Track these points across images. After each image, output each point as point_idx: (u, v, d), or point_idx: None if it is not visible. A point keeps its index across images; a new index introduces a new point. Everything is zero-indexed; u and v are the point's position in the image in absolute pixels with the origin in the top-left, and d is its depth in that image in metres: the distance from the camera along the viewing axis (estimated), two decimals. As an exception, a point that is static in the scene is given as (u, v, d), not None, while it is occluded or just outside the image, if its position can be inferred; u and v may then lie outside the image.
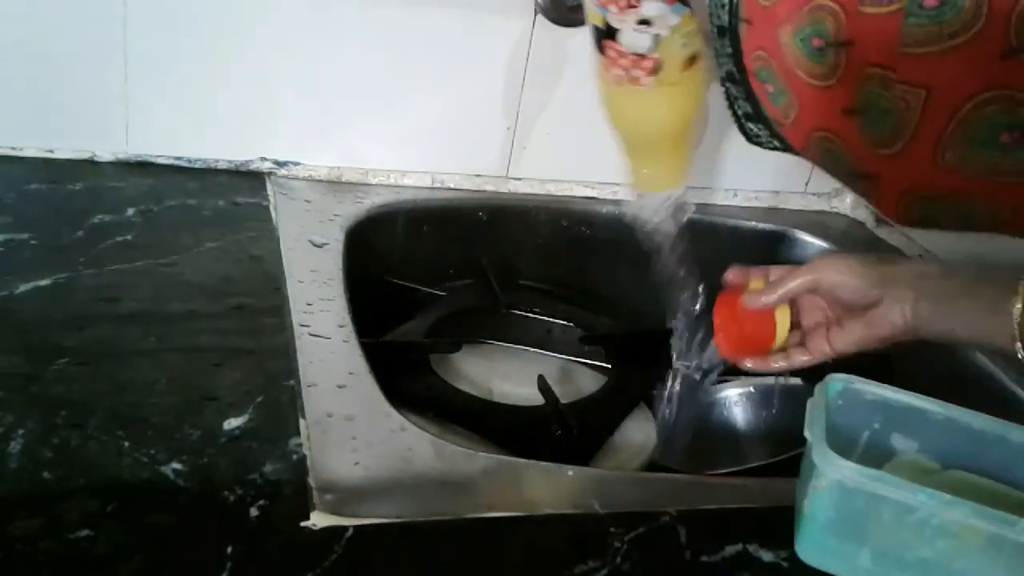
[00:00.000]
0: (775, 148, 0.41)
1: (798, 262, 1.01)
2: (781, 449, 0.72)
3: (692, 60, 0.64)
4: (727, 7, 0.38)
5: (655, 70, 0.64)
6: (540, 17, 0.86)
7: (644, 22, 0.63)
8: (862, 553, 0.50)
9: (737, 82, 0.39)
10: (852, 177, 0.34)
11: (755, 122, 0.40)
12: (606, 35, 0.66)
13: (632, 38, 0.64)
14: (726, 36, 0.39)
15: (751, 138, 0.42)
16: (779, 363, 0.57)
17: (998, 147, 0.29)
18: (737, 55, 0.38)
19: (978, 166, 0.30)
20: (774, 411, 0.88)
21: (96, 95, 0.78)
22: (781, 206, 1.04)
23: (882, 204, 0.36)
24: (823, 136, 0.34)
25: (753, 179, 1.02)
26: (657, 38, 0.63)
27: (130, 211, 0.74)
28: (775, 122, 0.37)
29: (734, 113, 0.41)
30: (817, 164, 0.38)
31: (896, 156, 0.32)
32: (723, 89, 0.40)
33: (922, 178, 0.32)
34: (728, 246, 1.00)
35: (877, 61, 0.33)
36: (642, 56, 0.64)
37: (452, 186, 0.92)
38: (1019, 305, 0.47)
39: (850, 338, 0.57)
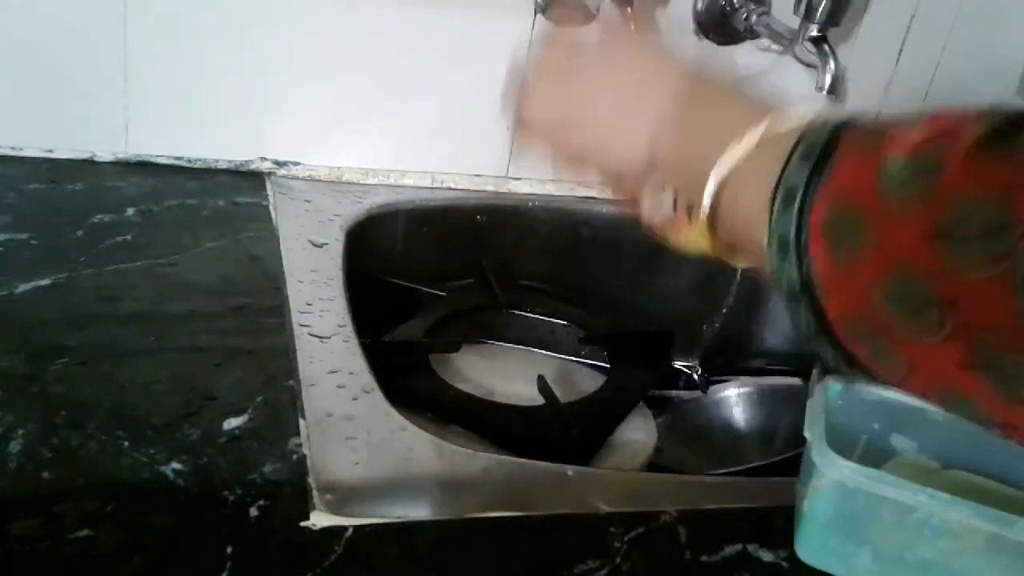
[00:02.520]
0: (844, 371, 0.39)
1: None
2: (781, 449, 0.72)
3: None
4: (797, 277, 0.35)
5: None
6: (540, 17, 0.86)
7: None
8: (862, 553, 0.50)
9: (827, 343, 0.35)
10: (988, 425, 0.31)
11: (851, 371, 0.36)
12: None
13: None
14: (800, 301, 0.35)
15: (817, 356, 0.37)
16: None
17: None
18: (821, 318, 0.35)
19: None
20: (774, 411, 0.88)
21: (96, 95, 0.78)
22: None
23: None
24: (943, 393, 0.32)
25: (753, 179, 1.02)
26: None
27: (130, 211, 0.74)
28: (886, 382, 0.34)
29: (823, 369, 0.38)
30: (930, 403, 0.36)
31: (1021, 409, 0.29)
32: (817, 357, 0.37)
33: None
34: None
35: (992, 322, 0.29)
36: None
37: (452, 186, 0.92)
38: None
39: None
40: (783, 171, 0.36)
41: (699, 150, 0.41)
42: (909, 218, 0.31)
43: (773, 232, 0.36)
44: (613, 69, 0.48)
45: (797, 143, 0.36)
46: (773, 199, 0.36)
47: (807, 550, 0.51)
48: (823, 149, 0.35)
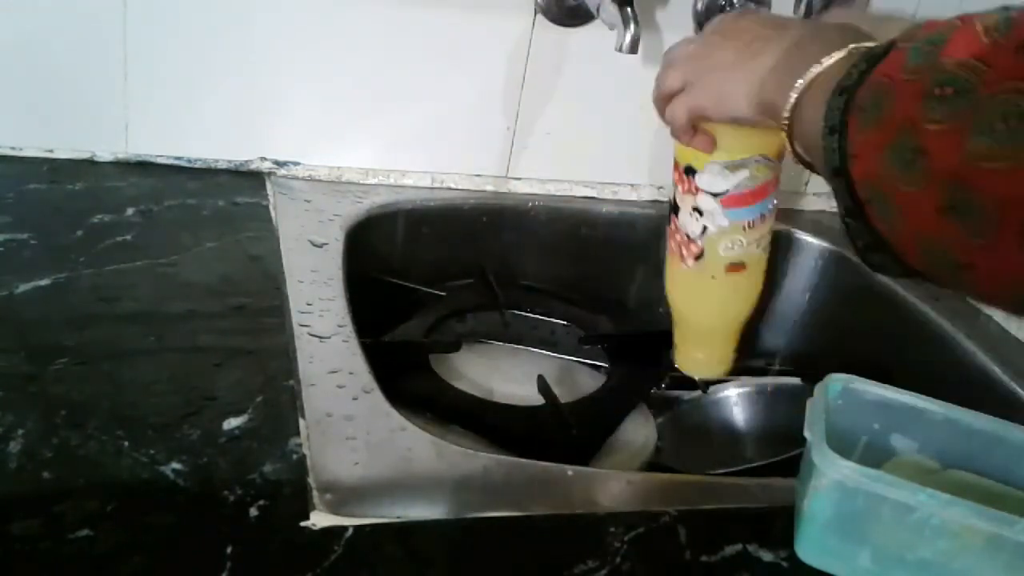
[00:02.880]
0: (900, 275, 0.44)
1: (798, 262, 1.02)
2: (781, 449, 0.72)
3: (737, 266, 0.67)
4: (837, 151, 0.42)
5: (698, 256, 0.67)
6: (540, 17, 0.86)
7: (697, 210, 0.65)
8: (862, 553, 0.50)
9: (855, 216, 0.42)
10: (955, 269, 0.37)
11: (876, 251, 0.43)
12: (672, 209, 0.68)
13: (686, 219, 0.67)
14: (840, 176, 0.42)
15: (876, 268, 0.45)
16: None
17: None
18: (851, 190, 0.41)
19: None
20: (774, 411, 0.88)
21: (96, 95, 0.78)
22: (781, 206, 1.04)
23: (981, 291, 0.38)
24: (926, 238, 0.37)
25: (753, 179, 1.02)
26: (706, 229, 0.65)
27: (130, 211, 0.74)
28: (887, 240, 0.41)
29: (856, 247, 0.44)
30: (928, 273, 0.40)
31: (988, 248, 0.34)
32: (843, 226, 0.44)
33: (1014, 267, 0.35)
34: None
35: (951, 169, 0.35)
36: (690, 239, 0.67)
37: (452, 186, 0.92)
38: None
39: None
40: (844, 74, 0.43)
41: (793, 76, 0.49)
42: (914, 81, 0.38)
43: (827, 121, 0.43)
44: (738, 29, 0.57)
45: (865, 53, 0.44)
46: (832, 95, 0.43)
47: (807, 550, 0.51)
48: (883, 52, 0.42)
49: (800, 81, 0.48)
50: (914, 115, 0.37)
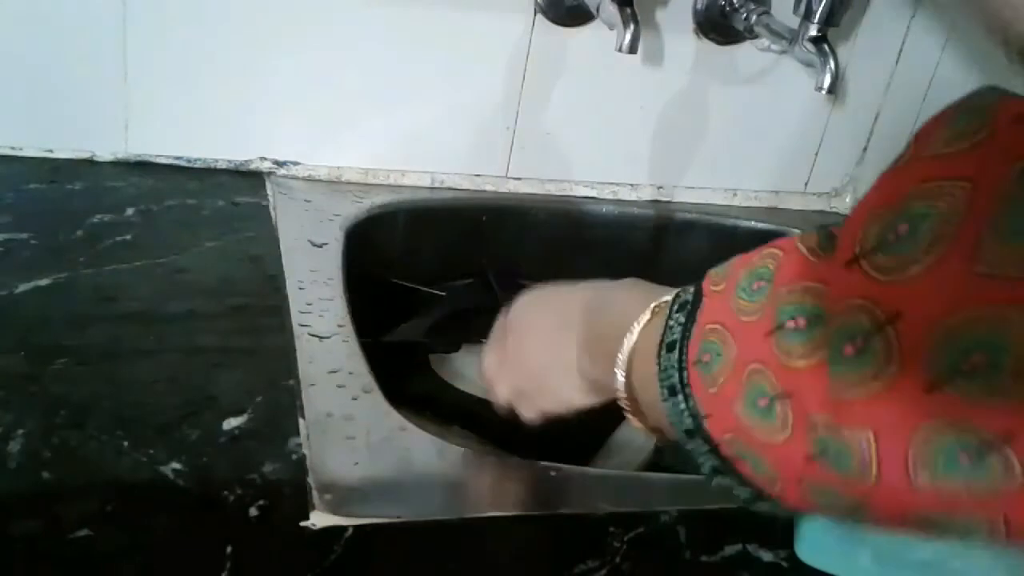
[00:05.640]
0: (793, 512, 0.42)
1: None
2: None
3: None
4: (685, 411, 0.39)
5: None
6: (540, 17, 0.86)
7: None
8: (862, 553, 0.50)
9: (727, 472, 0.39)
10: (851, 509, 0.33)
11: (762, 501, 0.39)
12: None
13: None
14: (696, 437, 0.39)
15: (767, 513, 0.40)
16: None
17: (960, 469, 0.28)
18: (714, 450, 0.38)
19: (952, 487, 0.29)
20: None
21: (96, 95, 0.78)
22: (781, 206, 1.04)
23: (883, 525, 0.34)
24: (810, 485, 0.34)
25: (752, 179, 1.02)
26: None
27: (130, 211, 0.74)
28: (766, 493, 0.37)
29: (740, 501, 0.41)
30: (825, 514, 0.38)
31: (874, 487, 0.31)
32: (715, 487, 0.40)
33: (897, 506, 0.31)
34: (727, 246, 1.00)
35: (817, 408, 0.32)
36: None
37: (452, 186, 0.92)
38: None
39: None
40: (663, 331, 0.41)
41: (609, 355, 0.45)
42: (755, 321, 0.35)
43: (663, 382, 0.39)
44: (531, 322, 0.55)
45: (672, 305, 0.41)
46: (659, 356, 0.40)
47: (807, 550, 0.51)
48: (693, 299, 0.40)
49: (620, 357, 0.44)
50: (765, 357, 0.34)
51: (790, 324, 0.33)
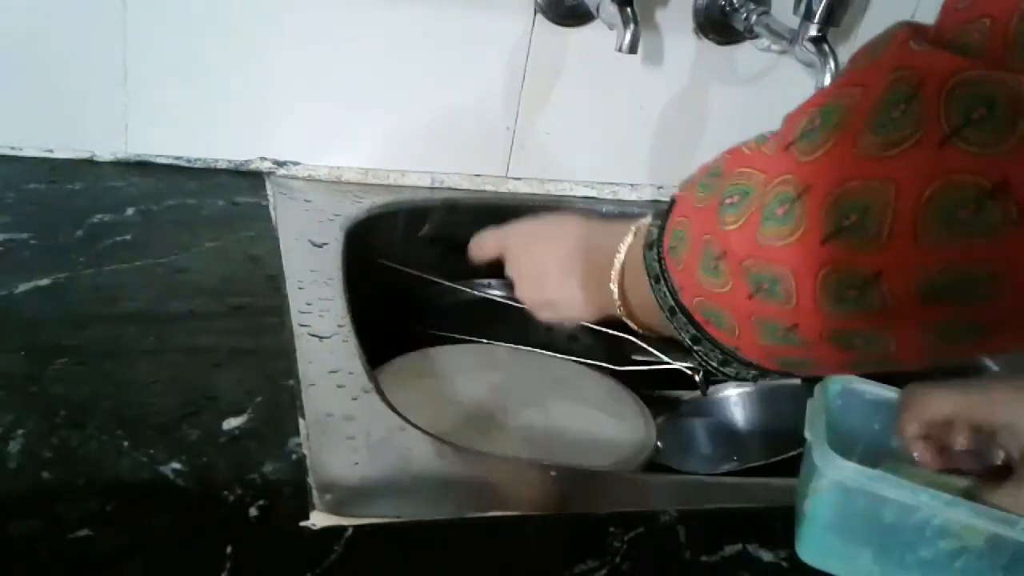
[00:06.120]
0: (753, 378, 0.49)
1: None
2: (781, 449, 0.72)
3: None
4: (667, 292, 0.47)
5: None
6: (540, 17, 0.86)
7: None
8: (863, 553, 0.50)
9: (700, 340, 0.47)
10: (785, 332, 0.41)
11: (728, 364, 0.47)
12: None
13: None
14: (677, 312, 0.47)
15: (733, 377, 0.49)
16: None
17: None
18: (691, 319, 0.46)
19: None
20: (774, 411, 0.88)
21: (96, 95, 0.78)
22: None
23: (806, 340, 0.42)
24: (755, 320, 0.42)
25: (753, 179, 1.02)
26: None
27: (130, 211, 0.74)
28: (726, 344, 0.45)
29: (707, 375, 0.49)
30: (769, 352, 0.44)
31: (795, 310, 0.39)
32: (694, 357, 0.48)
33: (815, 326, 0.40)
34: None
35: (745, 256, 0.40)
36: None
37: (452, 186, 0.92)
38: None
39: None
40: (645, 236, 0.51)
41: (603, 275, 0.56)
42: (706, 206, 0.44)
43: (649, 274, 0.49)
44: (535, 269, 0.65)
45: (655, 218, 0.51)
46: (644, 255, 0.50)
47: (808, 551, 0.51)
48: (667, 207, 0.49)
49: (612, 273, 0.55)
50: (710, 228, 0.43)
51: (728, 200, 0.42)
